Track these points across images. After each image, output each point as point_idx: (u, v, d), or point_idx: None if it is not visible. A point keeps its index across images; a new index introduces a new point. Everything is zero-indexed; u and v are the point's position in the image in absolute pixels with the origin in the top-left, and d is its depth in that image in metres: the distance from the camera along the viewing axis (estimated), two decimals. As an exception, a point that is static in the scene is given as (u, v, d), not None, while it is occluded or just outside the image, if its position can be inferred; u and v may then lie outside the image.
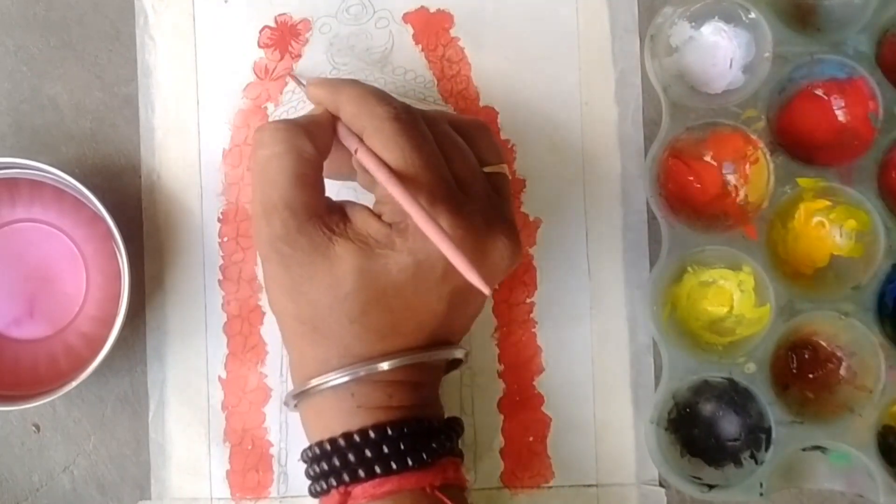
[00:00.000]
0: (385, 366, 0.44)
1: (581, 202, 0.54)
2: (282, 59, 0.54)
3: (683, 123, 0.52)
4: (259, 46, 0.54)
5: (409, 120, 0.43)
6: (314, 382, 0.44)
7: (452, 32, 0.54)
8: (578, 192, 0.54)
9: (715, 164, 0.53)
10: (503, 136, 0.54)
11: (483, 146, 0.47)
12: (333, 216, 0.44)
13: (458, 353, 0.47)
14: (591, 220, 0.54)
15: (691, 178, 0.53)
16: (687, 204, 0.53)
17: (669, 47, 0.54)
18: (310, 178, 0.43)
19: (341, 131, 0.45)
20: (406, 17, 0.54)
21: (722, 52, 0.53)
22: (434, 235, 0.40)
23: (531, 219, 0.54)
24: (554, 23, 0.54)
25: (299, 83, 0.51)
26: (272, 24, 0.54)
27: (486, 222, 0.44)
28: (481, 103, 0.54)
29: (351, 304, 0.43)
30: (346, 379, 0.44)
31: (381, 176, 0.42)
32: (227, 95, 0.54)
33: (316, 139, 0.44)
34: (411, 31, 0.54)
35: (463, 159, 0.45)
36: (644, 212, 0.54)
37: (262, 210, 0.43)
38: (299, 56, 0.54)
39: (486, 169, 0.46)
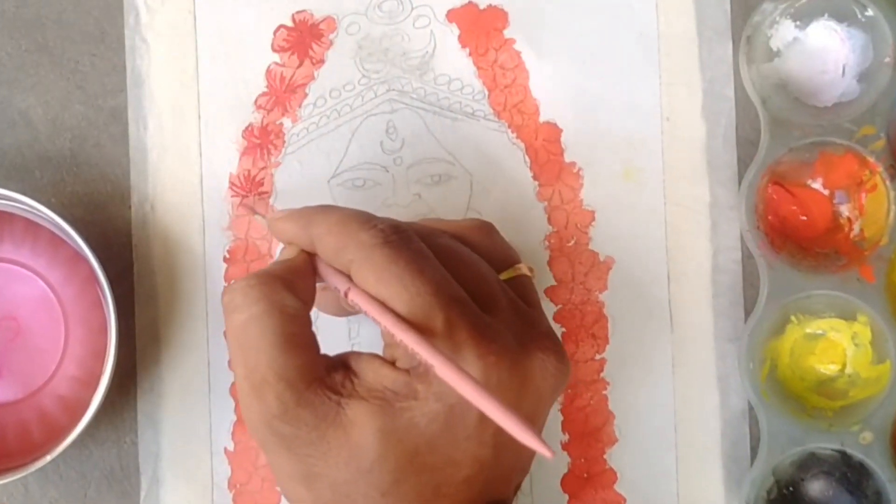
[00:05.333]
0: None
1: (661, 238, 0.51)
2: (300, 64, 0.51)
3: (786, 143, 0.50)
4: (273, 50, 0.51)
5: (402, 241, 0.41)
6: None
7: (507, 33, 0.51)
8: (658, 225, 0.51)
9: (824, 191, 0.51)
10: (568, 159, 0.51)
11: (491, 250, 0.45)
12: (337, 375, 0.41)
13: None
14: (673, 260, 0.51)
15: (795, 209, 0.51)
16: (790, 240, 0.51)
17: (769, 51, 0.51)
18: (300, 338, 0.41)
19: (324, 271, 0.43)
20: (451, 15, 0.51)
21: (833, 56, 0.51)
22: (464, 387, 0.38)
23: (601, 259, 0.51)
24: (629, 22, 0.51)
25: (253, 212, 0.50)
26: (289, 24, 0.51)
27: (520, 339, 0.42)
28: (541, 119, 0.51)
29: (379, 474, 0.40)
30: None
31: (385, 319, 0.39)
32: (234, 109, 0.51)
33: (297, 289, 0.42)
34: (457, 31, 0.51)
35: (476, 273, 0.43)
36: (738, 249, 0.51)
37: (249, 386, 0.40)
38: (321, 62, 0.51)
39: (503, 275, 0.45)
